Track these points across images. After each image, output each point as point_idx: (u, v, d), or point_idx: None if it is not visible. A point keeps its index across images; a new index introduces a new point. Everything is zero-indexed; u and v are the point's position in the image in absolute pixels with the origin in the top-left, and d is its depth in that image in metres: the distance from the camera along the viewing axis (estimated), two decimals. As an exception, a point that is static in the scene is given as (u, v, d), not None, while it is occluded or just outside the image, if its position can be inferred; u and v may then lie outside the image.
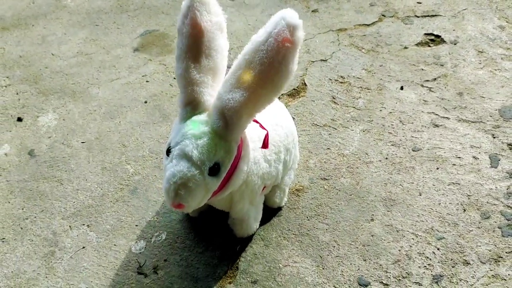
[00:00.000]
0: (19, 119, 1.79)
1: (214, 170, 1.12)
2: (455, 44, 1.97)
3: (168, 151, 1.14)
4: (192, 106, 1.15)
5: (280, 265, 1.40)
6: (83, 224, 1.51)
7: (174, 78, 1.88)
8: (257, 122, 1.28)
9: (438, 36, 2.01)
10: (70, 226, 1.50)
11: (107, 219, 1.52)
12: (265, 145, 1.26)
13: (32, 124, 1.78)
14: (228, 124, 1.11)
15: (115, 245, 1.46)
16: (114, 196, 1.57)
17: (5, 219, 1.53)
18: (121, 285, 1.36)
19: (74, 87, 1.89)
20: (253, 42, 1.08)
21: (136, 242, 1.46)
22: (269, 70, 1.06)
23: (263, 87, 1.08)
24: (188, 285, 1.36)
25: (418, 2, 2.14)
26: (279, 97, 1.78)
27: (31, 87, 1.90)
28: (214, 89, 1.17)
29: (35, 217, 1.53)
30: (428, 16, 2.09)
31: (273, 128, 1.34)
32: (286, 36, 1.03)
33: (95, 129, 1.76)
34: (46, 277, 1.40)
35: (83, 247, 1.46)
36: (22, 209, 1.55)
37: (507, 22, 2.04)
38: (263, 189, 1.38)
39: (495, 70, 1.87)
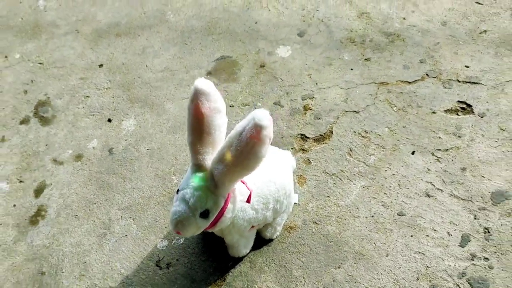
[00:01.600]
0: (109, 120, 2.35)
1: (204, 214, 1.56)
2: (482, 117, 2.12)
3: (178, 191, 1.60)
4: (197, 166, 1.58)
5: (256, 286, 1.83)
6: (130, 217, 2.05)
7: (230, 106, 2.31)
8: (243, 182, 1.67)
9: (469, 106, 2.17)
10: (121, 217, 2.05)
11: (147, 217, 2.04)
12: (248, 200, 1.67)
13: (117, 126, 2.33)
14: (216, 184, 1.53)
15: (147, 239, 1.98)
16: (157, 200, 2.08)
17: (81, 200, 2.12)
18: (142, 271, 1.90)
19: (154, 99, 2.40)
20: (235, 129, 1.46)
21: (162, 240, 1.97)
22: (240, 155, 1.44)
23: (237, 166, 1.47)
24: (186, 284, 1.85)
25: (466, 66, 2.28)
26: (304, 140, 2.13)
27: (124, 93, 2.44)
28: (214, 156, 1.58)
29: (101, 203, 2.10)
30: (469, 82, 2.23)
31: (265, 184, 1.73)
32: (253, 134, 1.40)
33: (160, 140, 2.26)
34: (96, 251, 1.97)
35: (126, 235, 2.00)
36: (94, 195, 2.13)
37: (545, 102, 2.13)
38: (252, 227, 1.80)
39: (508, 151, 2.02)
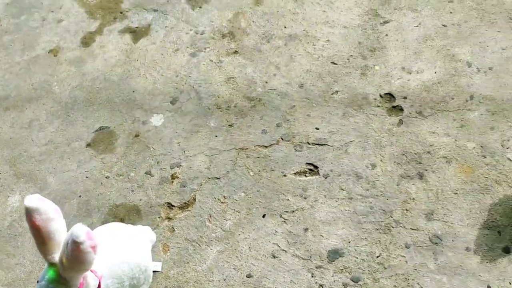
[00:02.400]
0: (-5, 197, 2.56)
1: (60, 302, 1.79)
2: (325, 178, 2.39)
3: (38, 282, 1.83)
4: (50, 263, 1.81)
5: None
6: (13, 293, 2.27)
7: (106, 177, 2.53)
8: (92, 271, 1.91)
9: (316, 167, 2.43)
10: (4, 293, 2.27)
11: (28, 292, 2.26)
12: (99, 287, 1.91)
13: (3, 202, 2.53)
14: (65, 278, 1.77)
15: (26, 313, 2.21)
16: (37, 274, 2.30)
17: (-32, 279, 2.33)
18: None
19: (38, 174, 2.60)
20: (65, 238, 1.69)
21: (40, 314, 2.19)
22: (71, 261, 1.68)
23: (72, 268, 1.71)
24: None
25: (316, 128, 2.54)
26: (170, 209, 2.37)
27: (10, 168, 2.64)
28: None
29: (-14, 281, 2.32)
30: (317, 144, 2.50)
31: (118, 265, 1.97)
32: (73, 248, 1.63)
33: (41, 214, 2.47)
34: (-19, 328, 2.19)
35: (8, 311, 2.23)
36: (-20, 273, 2.34)
37: (381, 160, 2.40)
38: (114, 302, 2.04)
39: (345, 210, 2.30)
